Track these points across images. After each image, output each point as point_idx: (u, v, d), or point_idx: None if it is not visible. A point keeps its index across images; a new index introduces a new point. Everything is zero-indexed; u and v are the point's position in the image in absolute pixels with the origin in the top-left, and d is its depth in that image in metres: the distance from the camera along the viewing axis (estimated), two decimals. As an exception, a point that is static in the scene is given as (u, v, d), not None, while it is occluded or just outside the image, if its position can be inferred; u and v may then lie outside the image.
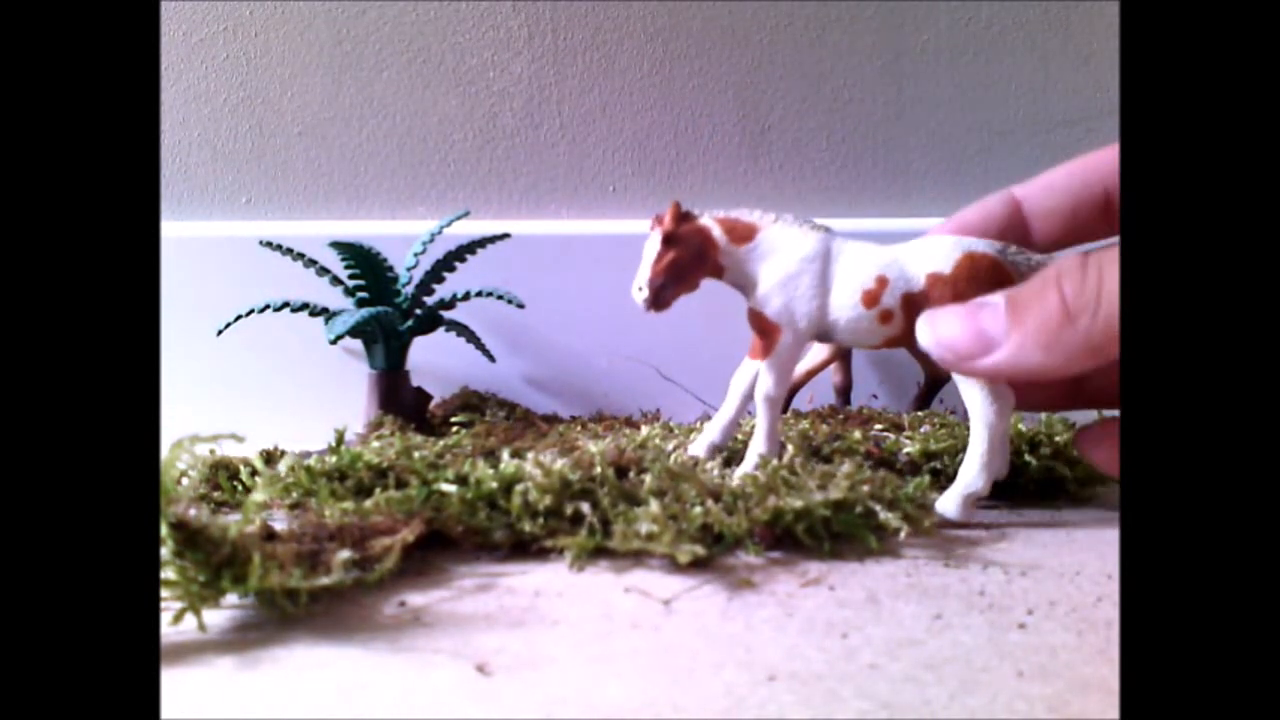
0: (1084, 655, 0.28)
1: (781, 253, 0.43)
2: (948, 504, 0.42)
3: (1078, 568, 0.36)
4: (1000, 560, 0.37)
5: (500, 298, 0.62)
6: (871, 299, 0.41)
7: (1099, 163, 0.43)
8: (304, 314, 0.60)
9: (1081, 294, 0.35)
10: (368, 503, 0.37)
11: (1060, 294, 0.36)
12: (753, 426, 0.57)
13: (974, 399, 0.41)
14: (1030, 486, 0.48)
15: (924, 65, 0.73)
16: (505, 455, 0.42)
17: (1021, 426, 0.51)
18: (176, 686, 0.26)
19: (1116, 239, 0.37)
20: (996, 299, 0.37)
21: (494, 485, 0.38)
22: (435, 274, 0.62)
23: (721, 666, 0.27)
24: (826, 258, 0.43)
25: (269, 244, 0.60)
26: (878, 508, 0.39)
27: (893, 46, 0.73)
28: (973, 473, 0.42)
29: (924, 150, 0.74)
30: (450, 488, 0.38)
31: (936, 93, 0.74)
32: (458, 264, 0.63)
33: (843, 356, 0.64)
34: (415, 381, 0.64)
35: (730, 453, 0.49)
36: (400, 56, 0.72)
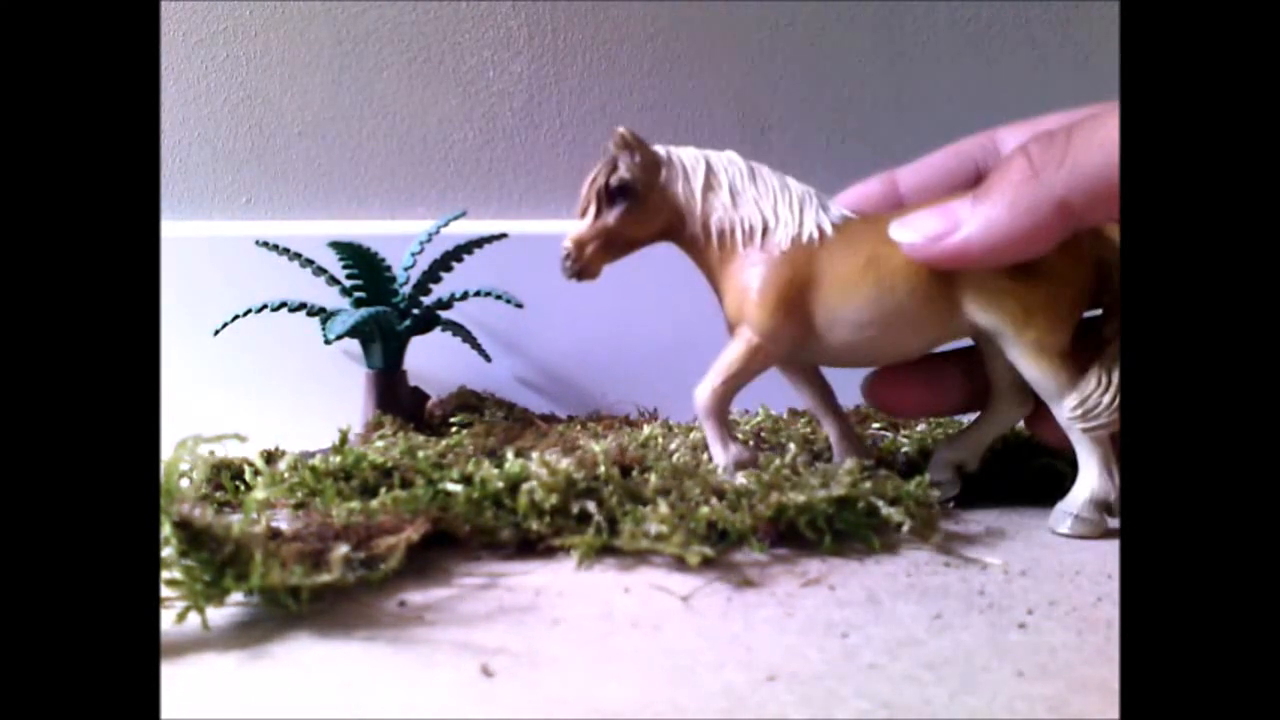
0: (1084, 655, 0.28)
1: None
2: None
3: (1078, 568, 0.36)
4: (1000, 560, 0.37)
5: (499, 297, 0.62)
6: None
7: (970, 145, 0.45)
8: (301, 314, 0.60)
9: (1048, 151, 0.35)
10: (374, 502, 0.37)
11: (1026, 156, 0.35)
12: (748, 419, 0.57)
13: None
14: (1024, 486, 0.48)
15: (924, 65, 0.73)
16: (510, 455, 0.42)
17: (1018, 427, 0.51)
18: (178, 685, 0.26)
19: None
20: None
21: (500, 485, 0.38)
22: (432, 274, 0.62)
23: (721, 666, 0.27)
24: None
25: (265, 244, 0.60)
26: (880, 504, 0.39)
27: (893, 46, 0.73)
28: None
29: (924, 150, 0.74)
30: (456, 487, 0.38)
31: (936, 93, 0.74)
32: (455, 264, 0.63)
33: None
34: (412, 382, 0.64)
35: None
36: (400, 56, 0.72)
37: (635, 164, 0.43)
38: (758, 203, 0.43)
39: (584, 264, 0.43)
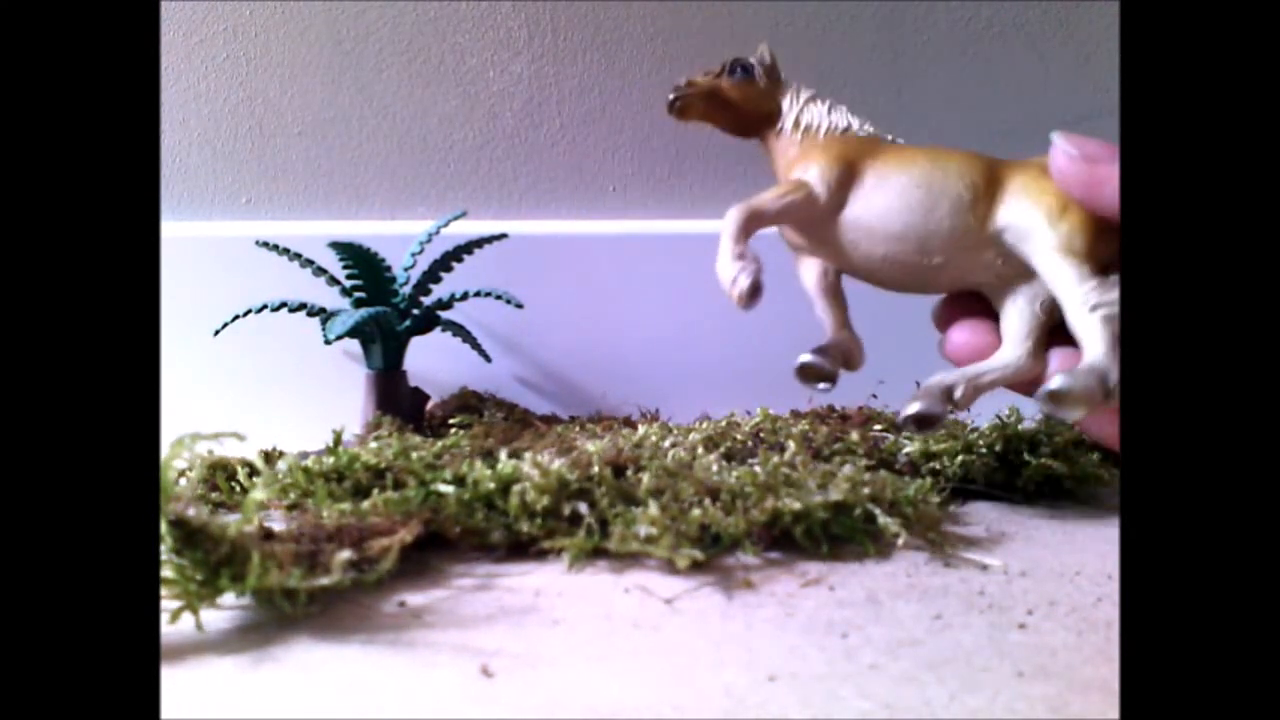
0: (1084, 655, 0.28)
1: None
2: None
3: (1078, 568, 0.36)
4: (1000, 561, 0.37)
5: (499, 298, 0.62)
6: None
7: None
8: (301, 314, 0.60)
9: None
10: (365, 503, 0.37)
11: None
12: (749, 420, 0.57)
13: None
14: (1030, 486, 0.48)
15: (924, 65, 0.73)
16: (503, 456, 0.42)
17: (1021, 427, 0.51)
18: (174, 686, 0.26)
19: None
20: None
21: (491, 486, 0.38)
22: (432, 274, 0.62)
23: (721, 666, 0.27)
24: None
25: (265, 244, 0.60)
26: (877, 511, 0.39)
27: (893, 46, 0.73)
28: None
29: (924, 150, 0.74)
30: (448, 488, 0.38)
31: (936, 93, 0.74)
32: (455, 264, 0.63)
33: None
34: (412, 382, 0.64)
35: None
36: (400, 56, 0.72)
37: (764, 65, 0.46)
38: (849, 115, 0.45)
39: (686, 101, 0.46)
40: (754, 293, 0.39)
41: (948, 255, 0.42)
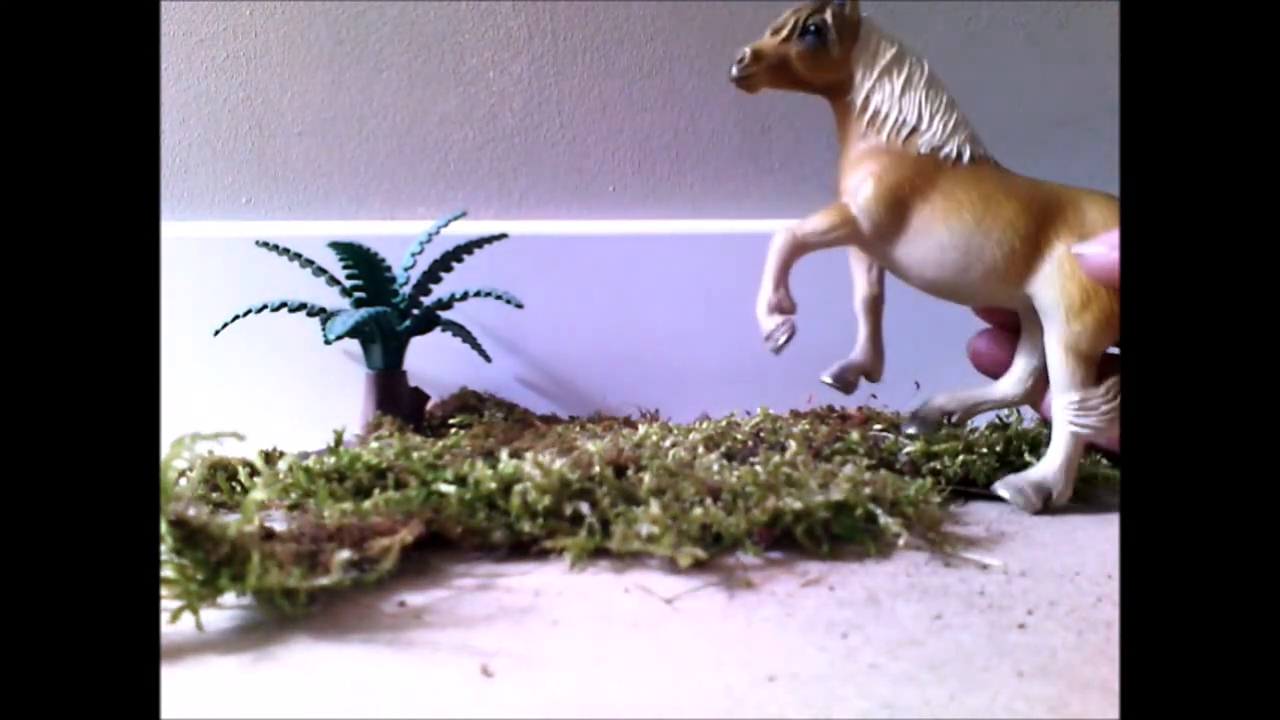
0: (1084, 655, 0.28)
1: None
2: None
3: (1078, 568, 0.36)
4: (1000, 560, 0.37)
5: (499, 298, 0.62)
6: None
7: None
8: (301, 314, 0.60)
9: None
10: (366, 503, 0.37)
11: None
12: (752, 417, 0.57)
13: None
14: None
15: (924, 65, 0.73)
16: (504, 455, 0.42)
17: (1020, 427, 0.51)
18: (175, 686, 0.26)
19: None
20: None
21: (493, 486, 0.38)
22: (432, 274, 0.62)
23: (721, 666, 0.27)
24: None
25: (265, 244, 0.60)
26: (878, 511, 0.39)
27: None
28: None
29: (924, 150, 0.74)
30: (449, 488, 0.38)
31: (936, 93, 0.74)
32: (455, 264, 0.63)
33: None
34: (412, 382, 0.64)
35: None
36: (400, 56, 0.72)
37: (840, 15, 0.44)
38: (920, 104, 0.44)
39: (751, 74, 0.45)
40: (787, 344, 0.44)
41: (978, 301, 0.46)
